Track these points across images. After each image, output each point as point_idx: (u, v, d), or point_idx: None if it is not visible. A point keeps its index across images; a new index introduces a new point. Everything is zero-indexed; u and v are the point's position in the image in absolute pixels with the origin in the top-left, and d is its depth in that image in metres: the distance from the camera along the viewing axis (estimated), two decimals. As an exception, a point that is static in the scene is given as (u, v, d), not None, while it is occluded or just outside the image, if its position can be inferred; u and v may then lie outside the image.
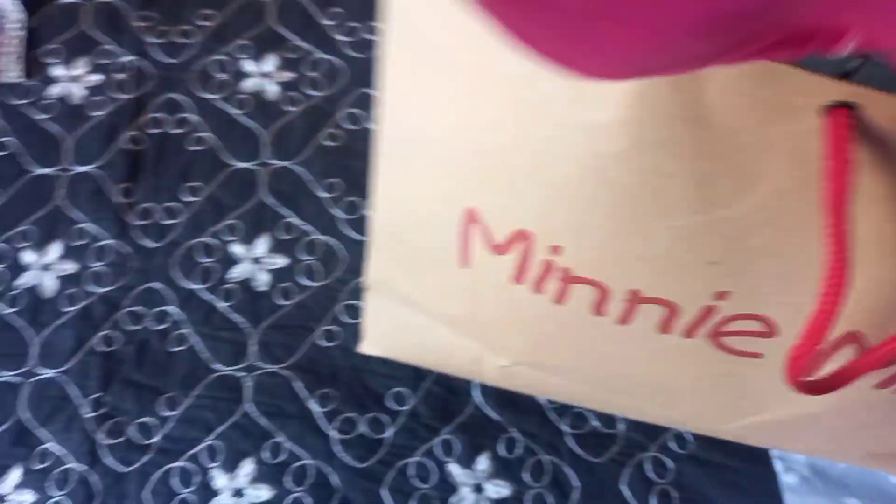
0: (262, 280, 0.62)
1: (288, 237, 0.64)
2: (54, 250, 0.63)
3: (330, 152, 0.66)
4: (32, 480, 0.56)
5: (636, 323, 0.41)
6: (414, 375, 0.59)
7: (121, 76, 0.68)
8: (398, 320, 0.52)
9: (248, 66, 0.69)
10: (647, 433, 0.57)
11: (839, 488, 0.56)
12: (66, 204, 0.64)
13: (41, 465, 0.56)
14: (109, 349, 0.59)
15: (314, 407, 0.58)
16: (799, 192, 0.33)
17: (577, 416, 0.57)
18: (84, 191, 0.65)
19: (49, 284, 0.62)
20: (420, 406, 0.58)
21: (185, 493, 0.56)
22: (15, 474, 0.56)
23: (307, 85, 0.68)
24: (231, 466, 0.56)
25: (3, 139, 0.66)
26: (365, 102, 0.68)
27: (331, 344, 0.60)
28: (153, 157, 0.66)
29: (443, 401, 0.58)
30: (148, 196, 0.65)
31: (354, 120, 0.68)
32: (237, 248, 0.63)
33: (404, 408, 0.58)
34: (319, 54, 0.69)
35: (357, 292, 0.62)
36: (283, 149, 0.67)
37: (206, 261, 0.62)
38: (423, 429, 0.58)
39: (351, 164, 0.66)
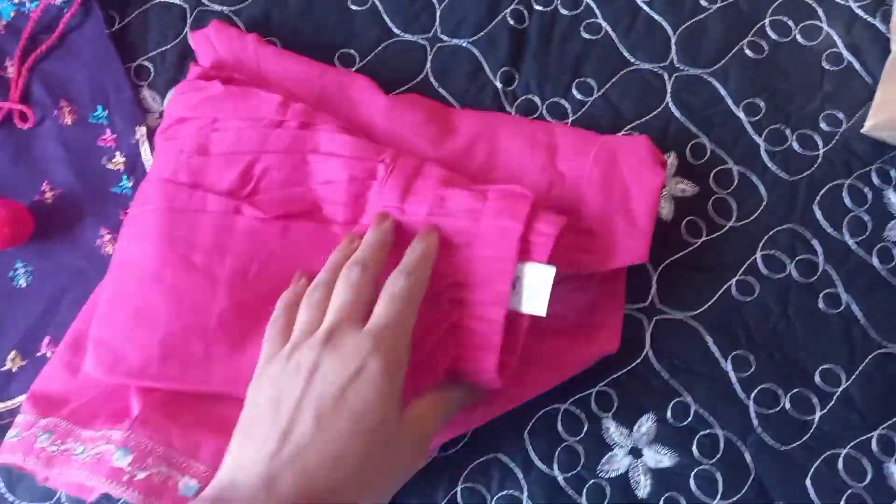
0: (665, 208, 0.51)
1: (696, 161, 0.52)
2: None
3: (751, 65, 0.54)
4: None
5: None
6: (848, 353, 0.48)
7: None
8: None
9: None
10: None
11: None
12: (435, 78, 0.54)
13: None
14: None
15: (728, 369, 0.48)
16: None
17: None
18: (458, 66, 0.54)
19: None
20: (854, 390, 0.48)
21: (572, 440, 0.47)
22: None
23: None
24: (627, 421, 0.47)
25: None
26: (796, 10, 0.55)
27: (747, 299, 0.49)
28: (537, 43, 0.55)
29: (883, 389, 0.47)
30: (530, 86, 0.53)
31: (782, 30, 0.54)
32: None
33: (836, 390, 0.48)
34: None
35: (778, 243, 0.50)
36: (694, 53, 0.54)
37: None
38: (857, 418, 0.47)
39: (777, 85, 0.53)
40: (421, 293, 0.40)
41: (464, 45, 0.54)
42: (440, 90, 0.53)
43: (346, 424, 0.35)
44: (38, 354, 0.48)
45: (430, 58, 0.54)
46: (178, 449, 0.42)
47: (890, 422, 0.47)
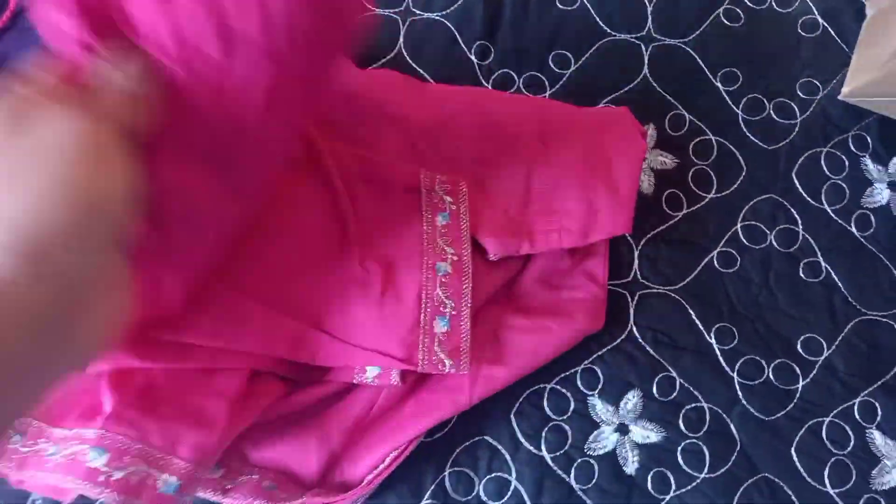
0: (645, 182, 0.50)
1: (675, 133, 0.51)
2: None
3: (728, 34, 0.53)
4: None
5: None
6: (829, 321, 0.48)
7: None
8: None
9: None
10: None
11: None
12: (409, 54, 0.52)
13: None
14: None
15: (712, 342, 0.48)
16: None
17: None
18: (432, 41, 0.52)
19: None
20: (836, 358, 0.48)
21: (559, 419, 0.46)
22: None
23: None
24: (614, 398, 0.47)
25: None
26: (772, -23, 0.54)
27: (729, 270, 0.49)
28: (512, 15, 0.53)
29: (864, 356, 0.47)
30: (506, 60, 0.52)
31: (758, -3, 0.54)
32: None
33: (818, 358, 0.48)
34: None
35: (759, 214, 0.50)
36: (671, 22, 0.53)
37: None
38: (839, 386, 0.47)
39: (754, 53, 0.52)
40: None
41: (437, 18, 0.53)
42: (414, 65, 0.52)
43: None
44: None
45: (402, 32, 0.52)
46: (156, 445, 0.40)
47: (872, 388, 0.47)
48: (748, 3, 0.53)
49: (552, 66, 0.52)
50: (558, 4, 0.52)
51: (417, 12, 0.52)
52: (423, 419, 0.44)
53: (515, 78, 0.51)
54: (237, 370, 0.43)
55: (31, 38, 0.50)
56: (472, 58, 0.52)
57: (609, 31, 0.52)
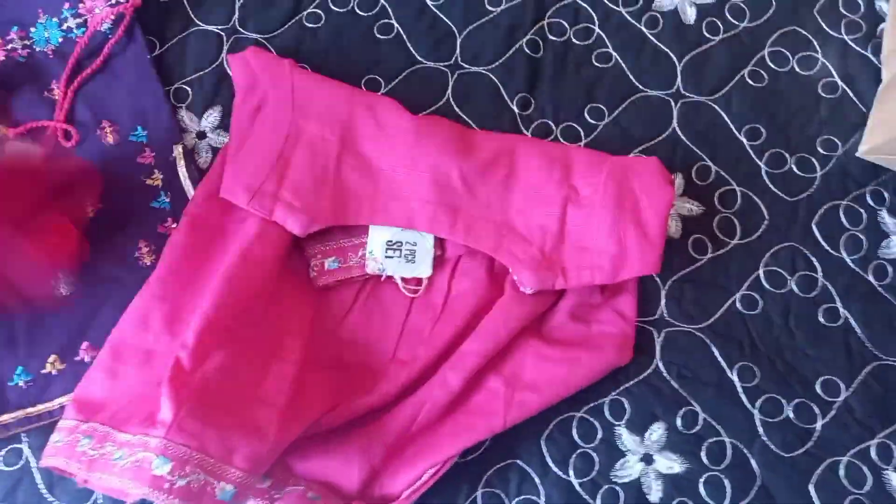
0: (672, 226, 0.52)
1: (701, 182, 0.54)
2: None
3: (752, 93, 0.56)
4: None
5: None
6: (847, 364, 0.49)
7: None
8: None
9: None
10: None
11: None
12: (456, 103, 0.56)
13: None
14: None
15: (734, 379, 0.49)
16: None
17: None
18: (478, 92, 0.56)
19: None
20: (853, 400, 0.49)
21: (587, 447, 0.48)
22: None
23: (730, 12, 0.58)
24: (640, 429, 0.49)
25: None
26: (794, 41, 0.57)
27: (751, 312, 0.51)
28: (552, 70, 0.56)
29: (881, 399, 0.48)
30: (545, 111, 0.55)
31: (781, 60, 0.57)
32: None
33: (836, 399, 0.49)
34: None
35: (780, 260, 0.52)
36: (698, 81, 0.56)
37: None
38: (856, 426, 0.48)
39: (777, 111, 0.55)
40: None
41: (483, 71, 0.56)
42: (461, 114, 0.55)
43: None
44: (77, 359, 0.49)
45: (451, 83, 0.56)
46: (214, 455, 0.42)
47: (888, 430, 0.48)
48: (771, 66, 0.56)
49: (587, 117, 0.55)
50: (594, 62, 0.56)
51: (465, 65, 0.57)
52: (459, 439, 0.46)
53: (553, 127, 0.55)
54: (285, 379, 0.46)
55: (121, 82, 0.55)
56: (514, 108, 0.55)
57: (641, 87, 0.56)
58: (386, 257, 0.49)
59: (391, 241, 0.49)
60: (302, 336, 0.48)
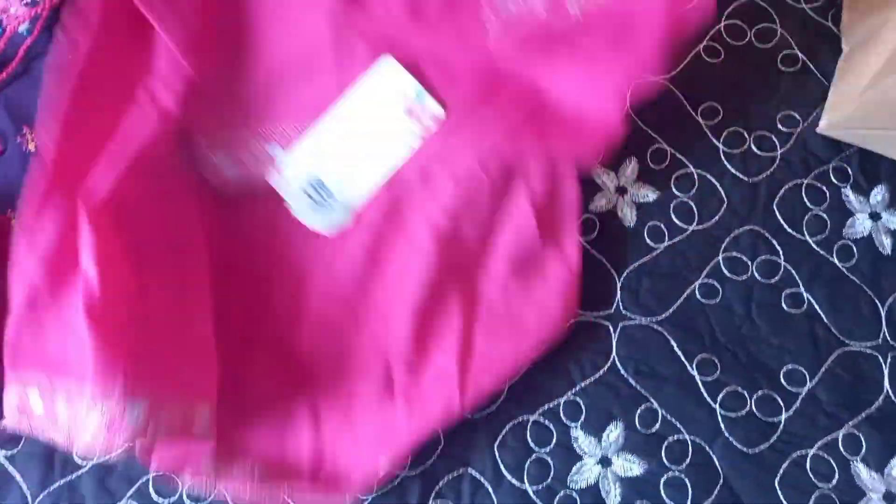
0: (627, 215, 0.49)
1: (657, 167, 0.51)
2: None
3: (709, 69, 0.52)
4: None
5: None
6: (812, 352, 0.46)
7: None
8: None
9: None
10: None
11: None
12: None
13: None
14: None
15: (694, 373, 0.46)
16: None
17: None
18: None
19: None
20: (820, 390, 0.46)
21: (542, 452, 0.45)
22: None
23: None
24: (596, 430, 0.46)
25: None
26: (751, 13, 0.53)
27: (710, 301, 0.48)
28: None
29: (849, 387, 0.46)
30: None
31: (738, 33, 0.53)
32: (598, 171, 0.49)
33: (801, 390, 0.46)
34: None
35: (740, 245, 0.49)
36: (651, 59, 0.53)
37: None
38: (823, 417, 0.46)
39: (734, 88, 0.52)
40: None
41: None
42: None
43: None
44: None
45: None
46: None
47: (856, 420, 0.45)
48: (728, 40, 0.52)
49: (536, 103, 0.51)
50: (541, 43, 0.53)
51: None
52: (414, 424, 0.43)
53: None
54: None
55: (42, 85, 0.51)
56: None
57: (591, 68, 0.52)
58: (301, 189, 0.45)
59: (319, 182, 0.45)
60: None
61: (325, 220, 0.45)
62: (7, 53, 0.50)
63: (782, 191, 0.49)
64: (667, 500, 0.44)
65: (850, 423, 0.45)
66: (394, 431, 0.43)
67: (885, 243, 0.48)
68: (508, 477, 0.44)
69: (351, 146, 0.46)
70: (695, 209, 0.49)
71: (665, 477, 0.44)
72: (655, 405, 0.45)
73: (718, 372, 0.46)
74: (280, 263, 0.46)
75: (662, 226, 0.49)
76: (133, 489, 0.44)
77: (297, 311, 0.45)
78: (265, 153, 0.45)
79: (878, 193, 0.49)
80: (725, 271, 0.48)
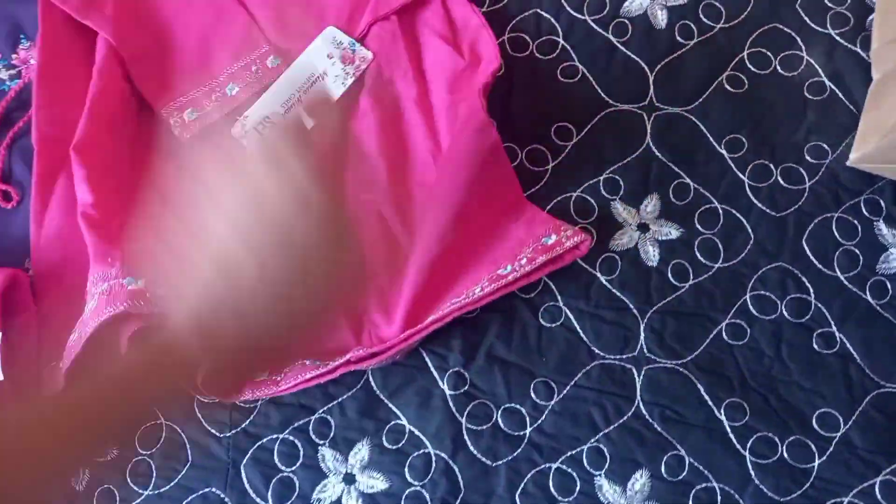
0: (650, 252, 0.48)
1: (679, 202, 0.49)
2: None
3: (732, 100, 0.51)
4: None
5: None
6: (846, 395, 0.45)
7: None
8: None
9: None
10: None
11: None
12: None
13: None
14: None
15: (722, 418, 0.45)
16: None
17: None
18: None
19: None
20: (854, 434, 0.44)
21: (565, 501, 0.44)
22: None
23: (704, 13, 0.52)
24: (621, 478, 0.44)
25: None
26: (775, 40, 0.52)
27: (738, 342, 0.46)
28: (515, 90, 0.51)
29: (885, 430, 0.44)
30: (505, 134, 0.50)
31: (762, 62, 0.51)
32: (619, 208, 0.48)
33: (835, 434, 0.44)
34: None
35: (768, 283, 0.47)
36: (672, 91, 0.51)
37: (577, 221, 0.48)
38: (859, 463, 0.44)
39: (759, 118, 0.50)
40: None
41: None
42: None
43: None
44: None
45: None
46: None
47: (893, 466, 0.43)
48: (752, 69, 0.50)
49: (554, 138, 0.50)
50: (560, 78, 0.51)
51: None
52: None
53: (518, 151, 0.50)
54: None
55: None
56: (475, 132, 0.50)
57: (611, 101, 0.50)
58: (255, 131, 0.49)
59: (268, 119, 0.49)
60: None
61: None
62: (24, 102, 0.50)
63: (812, 225, 0.47)
64: (695, 553, 0.42)
65: (888, 469, 0.43)
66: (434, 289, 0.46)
67: (921, 279, 0.46)
68: (531, 527, 0.43)
69: (295, 92, 0.50)
70: (720, 246, 0.47)
71: (693, 527, 0.43)
72: (682, 452, 0.44)
73: (748, 417, 0.44)
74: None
75: (686, 264, 0.47)
76: None
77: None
78: (224, 94, 0.50)
79: (913, 226, 0.47)
80: (753, 311, 0.46)
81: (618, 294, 0.46)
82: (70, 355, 0.41)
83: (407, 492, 0.44)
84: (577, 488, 0.44)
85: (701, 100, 0.50)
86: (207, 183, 0.29)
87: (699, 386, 0.45)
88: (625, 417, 0.45)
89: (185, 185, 0.30)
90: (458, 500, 0.43)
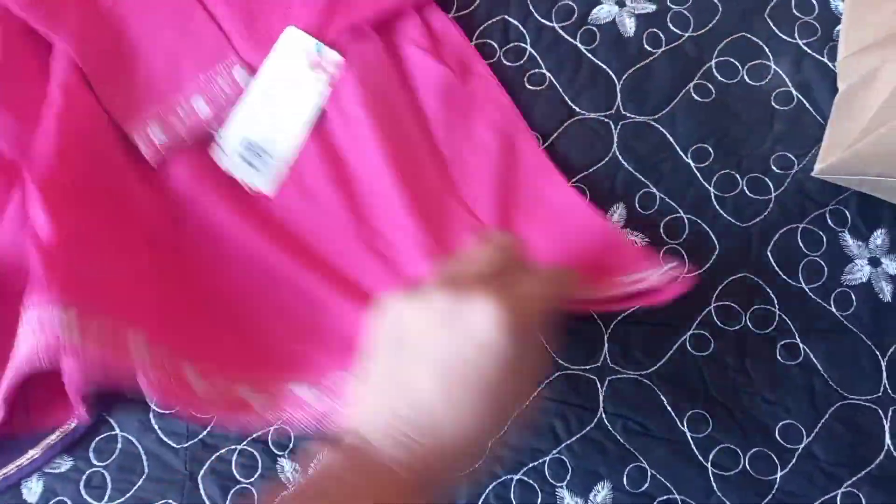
0: (615, 262, 0.47)
1: (645, 212, 0.49)
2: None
3: (699, 109, 0.50)
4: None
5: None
6: (809, 407, 0.44)
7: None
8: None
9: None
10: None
11: None
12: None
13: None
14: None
15: (685, 430, 0.44)
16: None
17: None
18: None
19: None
20: (817, 447, 0.44)
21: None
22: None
23: (672, 21, 0.51)
24: (582, 490, 0.44)
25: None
26: (743, 49, 0.51)
27: (702, 353, 0.46)
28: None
29: (847, 443, 0.44)
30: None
31: (730, 71, 0.51)
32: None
33: (797, 447, 0.44)
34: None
35: (732, 293, 0.47)
36: (640, 99, 0.51)
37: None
38: (821, 475, 0.43)
39: (726, 128, 0.50)
40: None
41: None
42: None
43: None
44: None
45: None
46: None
47: (855, 478, 0.43)
48: (719, 78, 0.50)
49: (521, 146, 0.50)
50: (527, 85, 0.51)
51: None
52: None
53: (484, 159, 0.49)
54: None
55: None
56: (442, 140, 0.50)
57: (578, 109, 0.50)
58: (238, 156, 0.48)
59: (252, 143, 0.48)
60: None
61: (266, 179, 0.48)
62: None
63: (776, 236, 0.47)
64: (656, 566, 0.42)
65: (849, 481, 0.43)
66: None
67: (886, 290, 0.46)
68: (491, 540, 0.42)
69: (272, 108, 0.49)
70: (685, 256, 0.47)
71: (656, 540, 0.42)
72: (644, 464, 0.43)
73: (710, 428, 0.44)
74: (216, 217, 0.47)
75: (652, 274, 0.47)
76: None
77: (242, 265, 0.47)
78: (191, 109, 0.48)
79: (878, 238, 0.47)
80: (717, 322, 0.46)
81: (582, 304, 0.46)
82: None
83: None
84: (539, 500, 0.43)
85: (668, 109, 0.49)
86: (411, 333, 0.33)
87: (662, 397, 0.44)
88: (587, 429, 0.44)
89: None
90: (418, 513, 0.43)
